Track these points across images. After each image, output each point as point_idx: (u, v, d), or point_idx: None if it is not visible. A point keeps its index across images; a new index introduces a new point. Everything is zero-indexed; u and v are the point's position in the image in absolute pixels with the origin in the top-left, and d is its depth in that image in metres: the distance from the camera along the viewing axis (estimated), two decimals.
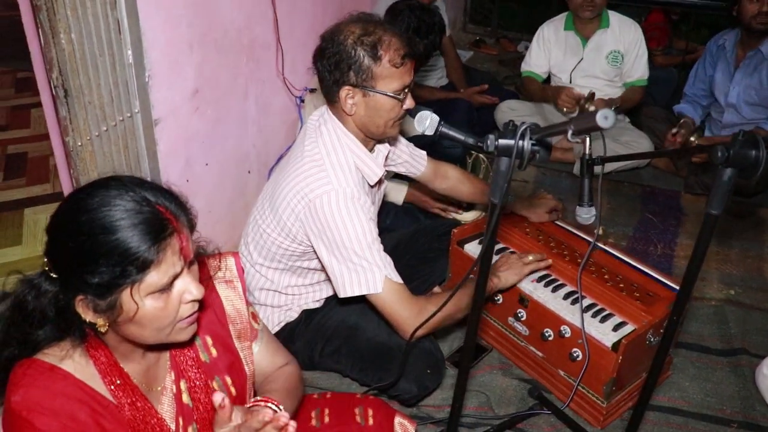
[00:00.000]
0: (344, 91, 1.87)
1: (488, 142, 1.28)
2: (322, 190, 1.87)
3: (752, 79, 3.43)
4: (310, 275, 2.14)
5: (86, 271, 1.09)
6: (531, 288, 2.18)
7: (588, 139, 2.17)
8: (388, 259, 1.93)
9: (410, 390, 2.00)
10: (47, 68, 1.82)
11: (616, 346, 1.96)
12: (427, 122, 1.81)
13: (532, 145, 1.24)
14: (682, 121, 3.53)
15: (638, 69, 3.69)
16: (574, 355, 2.06)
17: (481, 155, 3.28)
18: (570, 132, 1.14)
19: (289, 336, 2.15)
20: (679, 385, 2.30)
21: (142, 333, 1.18)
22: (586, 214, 2.20)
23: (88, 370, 1.21)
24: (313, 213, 1.88)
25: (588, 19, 3.60)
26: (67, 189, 2.31)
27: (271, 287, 2.14)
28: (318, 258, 1.97)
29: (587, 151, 2.16)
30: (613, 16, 3.67)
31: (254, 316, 1.51)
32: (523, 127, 1.24)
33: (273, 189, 2.03)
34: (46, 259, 1.15)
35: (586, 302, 2.12)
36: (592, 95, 3.54)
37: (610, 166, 3.58)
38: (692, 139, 3.39)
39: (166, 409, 1.33)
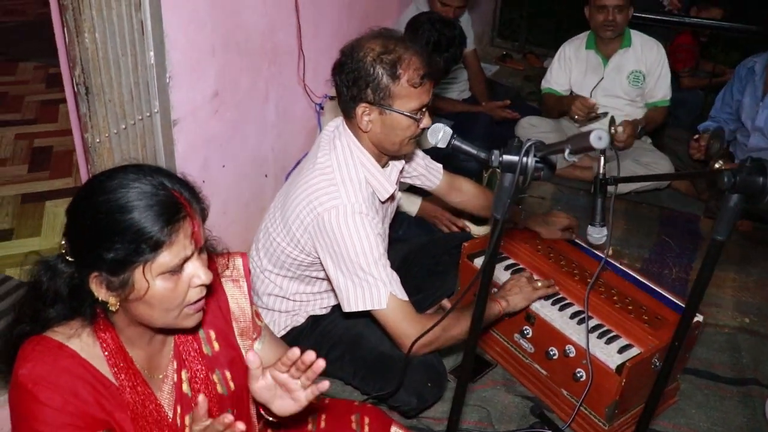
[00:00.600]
0: (361, 108, 1.88)
1: (493, 157, 1.28)
2: (330, 204, 1.88)
3: None
4: (318, 284, 2.15)
5: (102, 248, 1.14)
6: (538, 306, 2.17)
7: (602, 159, 2.16)
8: (395, 275, 1.94)
9: (409, 402, 2.00)
10: (70, 65, 1.86)
11: (620, 368, 1.94)
12: (439, 135, 1.80)
13: (536, 162, 1.24)
14: (701, 134, 3.48)
15: (661, 89, 3.66)
16: (578, 375, 2.05)
17: (498, 170, 3.27)
18: (567, 151, 1.14)
19: (294, 340, 2.16)
20: (686, 412, 2.27)
21: (151, 313, 1.23)
22: (598, 234, 2.20)
23: (94, 350, 1.26)
24: (321, 226, 1.89)
25: (609, 39, 3.59)
26: None
27: (279, 293, 2.16)
28: (324, 270, 1.98)
29: (601, 171, 2.15)
30: (636, 36, 3.65)
31: (257, 315, 1.56)
32: (528, 144, 1.24)
33: (284, 199, 2.05)
34: (63, 241, 1.21)
35: (593, 323, 2.11)
36: (612, 119, 3.51)
37: (628, 187, 3.56)
38: (718, 165, 3.34)
39: (165, 396, 1.37)
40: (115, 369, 1.27)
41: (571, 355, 2.07)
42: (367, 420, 1.66)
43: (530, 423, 2.16)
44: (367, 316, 1.96)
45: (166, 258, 1.17)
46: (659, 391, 1.56)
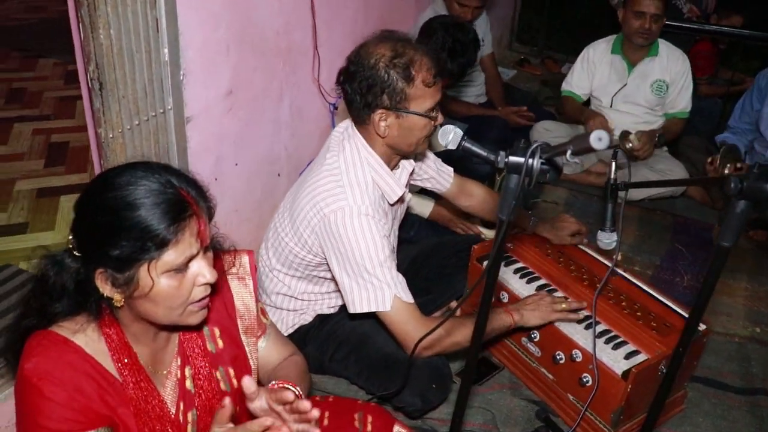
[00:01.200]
0: (378, 115, 1.88)
1: (498, 158, 1.29)
2: (337, 206, 1.89)
3: None
4: (327, 284, 2.16)
5: (108, 244, 1.15)
6: None
7: (614, 165, 2.15)
8: (400, 277, 1.94)
9: (414, 403, 2.00)
10: (85, 61, 1.89)
11: (626, 374, 1.93)
12: (450, 136, 1.80)
13: (542, 164, 1.24)
14: (723, 148, 3.46)
15: (682, 101, 3.64)
16: (584, 380, 2.04)
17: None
18: (569, 152, 1.14)
19: (301, 339, 2.18)
20: (692, 420, 2.26)
21: (156, 310, 1.24)
22: (608, 239, 2.20)
23: (98, 346, 1.27)
24: (327, 228, 1.90)
25: (639, 46, 3.57)
26: None
27: (287, 292, 2.17)
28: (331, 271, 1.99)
29: (612, 176, 2.15)
30: (663, 45, 3.62)
31: (263, 312, 1.57)
32: (534, 146, 1.24)
33: (293, 199, 2.06)
34: (71, 237, 1.22)
35: (601, 328, 2.10)
36: (627, 132, 3.49)
37: (642, 193, 3.54)
38: (728, 166, 3.30)
39: (168, 392, 1.38)
40: (119, 365, 1.29)
41: (578, 359, 2.06)
42: (370, 418, 1.66)
43: (535, 427, 2.15)
44: (373, 316, 1.96)
45: (171, 256, 1.18)
46: (663, 397, 1.55)
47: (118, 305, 1.23)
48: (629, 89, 3.65)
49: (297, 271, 2.12)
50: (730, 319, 2.81)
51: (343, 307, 2.17)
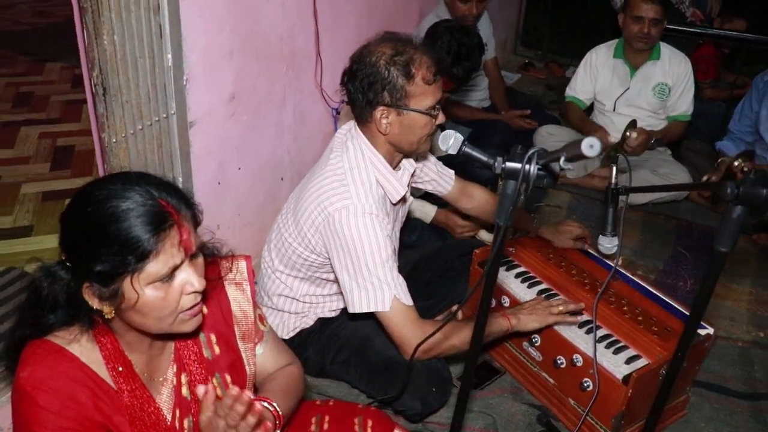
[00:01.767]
0: (379, 111, 1.90)
1: (496, 164, 1.29)
2: (341, 204, 1.90)
3: None
4: (329, 286, 2.17)
5: (90, 259, 1.16)
6: None
7: (614, 169, 2.16)
8: (401, 279, 1.95)
9: (414, 407, 2.01)
10: (89, 66, 1.91)
11: (626, 379, 1.93)
12: (450, 141, 1.80)
13: (539, 170, 1.25)
14: (720, 160, 3.46)
15: (683, 104, 3.64)
16: (585, 384, 2.04)
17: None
18: (563, 158, 1.15)
19: (303, 342, 2.19)
20: (695, 425, 2.25)
21: (145, 321, 1.24)
22: (609, 244, 2.20)
23: (93, 354, 1.28)
24: (331, 226, 1.91)
25: (640, 50, 3.58)
26: None
27: (289, 294, 2.18)
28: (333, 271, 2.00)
29: (613, 181, 2.15)
30: (665, 48, 3.63)
31: (261, 318, 1.56)
32: (531, 152, 1.25)
33: (297, 199, 2.07)
34: (60, 249, 1.22)
35: (602, 332, 2.10)
36: (634, 122, 3.50)
37: (645, 197, 3.54)
38: (737, 162, 3.30)
39: (164, 399, 1.38)
40: (114, 373, 1.29)
41: (579, 364, 2.06)
42: (370, 423, 1.66)
43: (536, 431, 2.15)
44: (374, 320, 1.97)
45: (153, 267, 1.17)
46: (662, 402, 1.55)
47: (109, 317, 1.23)
48: (632, 93, 3.66)
49: (300, 272, 2.13)
50: (734, 323, 2.81)
51: (344, 311, 2.18)
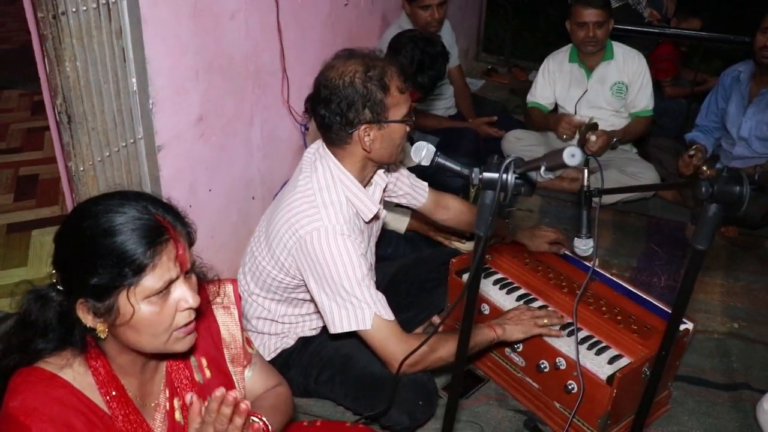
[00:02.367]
0: (362, 131, 1.88)
1: (473, 174, 1.29)
2: (312, 227, 1.89)
3: (765, 114, 3.43)
4: (306, 306, 2.15)
5: (86, 273, 1.15)
6: None
7: (586, 171, 2.18)
8: (380, 295, 1.94)
9: (402, 421, 2.00)
10: (51, 94, 1.86)
11: (610, 379, 1.95)
12: (423, 152, 1.80)
13: (516, 178, 1.26)
14: (695, 146, 3.53)
15: (643, 99, 3.70)
16: (569, 387, 2.05)
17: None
18: (543, 168, 1.15)
19: (284, 363, 2.16)
20: (678, 419, 2.28)
21: (139, 338, 1.23)
22: (584, 246, 2.22)
23: (86, 379, 1.26)
24: (304, 249, 1.90)
25: (591, 53, 3.63)
26: None
27: (267, 316, 2.16)
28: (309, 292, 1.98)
29: (585, 183, 2.17)
30: (618, 48, 3.70)
31: (248, 342, 1.56)
32: (508, 161, 1.25)
33: (268, 223, 2.05)
34: (53, 270, 1.22)
35: (583, 334, 2.12)
36: (594, 125, 3.56)
37: (615, 197, 3.59)
38: (704, 168, 3.37)
39: (158, 425, 1.37)
40: (108, 397, 1.27)
41: (562, 367, 2.07)
42: None
43: None
44: (355, 336, 1.96)
45: (150, 281, 1.18)
46: (649, 401, 1.57)
47: (102, 336, 1.22)
48: (590, 95, 3.72)
49: (276, 295, 2.11)
50: (709, 315, 2.85)
51: (325, 329, 2.16)
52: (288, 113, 2.99)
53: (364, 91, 1.84)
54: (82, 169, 1.95)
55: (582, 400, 2.02)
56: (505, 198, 1.27)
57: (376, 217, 2.08)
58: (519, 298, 2.28)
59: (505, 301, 2.29)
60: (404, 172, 2.30)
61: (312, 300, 2.07)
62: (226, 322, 1.49)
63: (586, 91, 3.70)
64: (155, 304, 1.20)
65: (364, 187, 2.03)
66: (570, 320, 2.15)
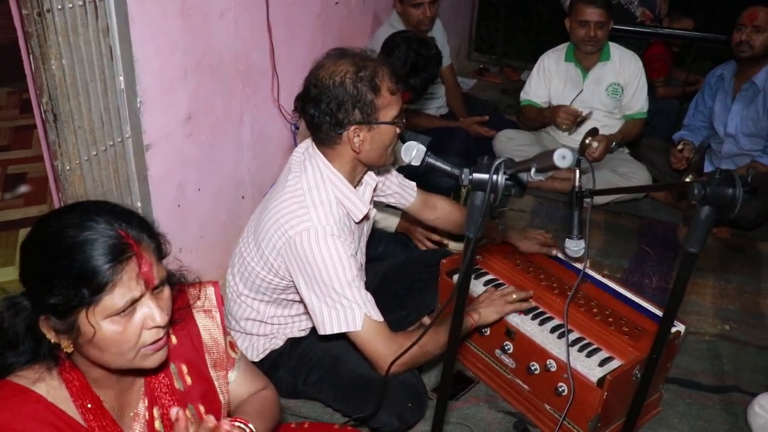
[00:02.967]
0: (351, 131, 1.86)
1: (463, 175, 1.28)
2: (302, 227, 1.87)
3: (749, 110, 3.44)
4: (296, 307, 2.13)
5: (45, 291, 1.12)
6: (518, 321, 2.16)
7: (578, 172, 2.17)
8: (369, 296, 1.92)
9: (391, 423, 1.98)
10: (37, 93, 1.84)
11: (601, 381, 1.94)
12: (413, 152, 1.79)
13: (506, 179, 1.24)
14: (683, 140, 3.54)
15: (638, 102, 3.69)
16: (560, 389, 2.04)
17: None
18: (533, 169, 1.14)
19: (273, 364, 2.14)
20: (669, 422, 2.27)
21: (103, 356, 1.19)
22: (575, 247, 2.21)
23: (60, 392, 1.22)
24: (293, 250, 1.88)
25: (589, 52, 3.62)
26: None
27: (256, 317, 2.14)
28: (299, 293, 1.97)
29: (577, 183, 2.16)
30: (614, 49, 3.68)
31: (232, 345, 1.52)
32: (498, 162, 1.24)
33: (257, 223, 2.03)
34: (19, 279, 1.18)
35: (574, 336, 2.10)
36: (594, 130, 3.55)
37: (607, 198, 3.58)
38: (689, 178, 3.39)
39: None
40: (83, 410, 1.24)
41: (552, 369, 2.06)
42: None
43: None
44: (344, 337, 1.94)
45: (110, 301, 1.13)
46: (639, 404, 1.55)
47: (68, 351, 1.18)
48: (585, 95, 3.70)
49: (265, 296, 2.09)
50: (700, 318, 2.84)
51: (314, 330, 2.15)
52: (278, 112, 2.97)
53: (355, 92, 1.82)
54: (68, 168, 1.93)
55: (572, 403, 2.01)
56: (495, 199, 1.26)
57: (366, 217, 2.07)
58: None
59: None
60: (393, 172, 2.29)
61: (301, 301, 2.06)
62: (208, 326, 1.45)
63: (582, 91, 3.68)
64: (118, 323, 1.15)
65: (354, 187, 2.01)
66: (557, 319, 2.15)
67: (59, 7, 1.76)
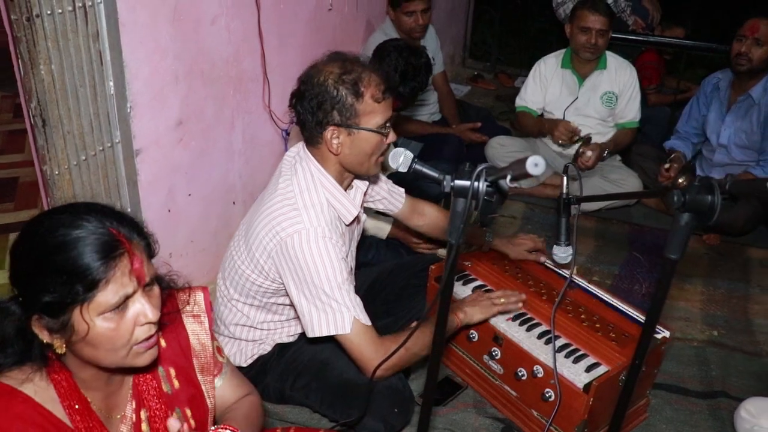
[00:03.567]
0: (329, 132, 1.88)
1: (445, 182, 1.29)
2: (293, 229, 1.88)
3: (743, 122, 3.45)
4: (286, 311, 2.14)
5: (38, 290, 1.13)
6: (505, 326, 2.17)
7: (565, 179, 2.18)
8: (358, 300, 1.93)
9: (377, 428, 1.98)
10: (26, 98, 1.86)
11: (587, 387, 1.94)
12: (400, 159, 1.80)
13: (488, 186, 1.25)
14: (673, 155, 3.55)
15: (631, 111, 3.71)
16: (547, 395, 2.05)
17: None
18: (509, 177, 1.15)
19: (261, 369, 2.15)
20: (656, 427, 2.28)
21: (96, 354, 1.20)
22: (563, 253, 2.22)
23: (48, 393, 1.23)
24: (284, 252, 1.89)
25: (587, 60, 3.64)
26: None
27: (246, 323, 2.14)
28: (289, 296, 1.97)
29: (564, 190, 2.17)
30: (611, 57, 3.70)
31: (219, 350, 1.53)
32: (479, 169, 1.25)
33: (248, 226, 2.04)
34: (9, 282, 1.19)
35: (561, 342, 2.11)
36: (588, 138, 3.57)
37: (598, 204, 3.59)
38: (680, 180, 3.40)
39: None
40: (70, 411, 1.24)
41: (540, 375, 2.07)
42: None
43: None
44: (332, 342, 1.95)
45: (103, 297, 1.15)
46: (622, 411, 1.56)
47: (60, 351, 1.19)
48: (580, 102, 3.71)
49: (255, 300, 2.09)
50: (688, 323, 2.86)
51: (303, 336, 2.15)
52: (269, 119, 2.98)
53: (334, 93, 1.84)
54: (57, 172, 1.94)
55: (559, 408, 2.02)
56: (476, 206, 1.26)
57: (356, 220, 2.08)
58: None
59: None
60: (382, 177, 2.30)
61: (291, 305, 2.06)
62: (196, 331, 1.46)
63: (577, 98, 3.70)
64: (111, 320, 1.17)
65: (345, 190, 2.02)
66: (544, 325, 2.16)
67: (48, 12, 1.77)
